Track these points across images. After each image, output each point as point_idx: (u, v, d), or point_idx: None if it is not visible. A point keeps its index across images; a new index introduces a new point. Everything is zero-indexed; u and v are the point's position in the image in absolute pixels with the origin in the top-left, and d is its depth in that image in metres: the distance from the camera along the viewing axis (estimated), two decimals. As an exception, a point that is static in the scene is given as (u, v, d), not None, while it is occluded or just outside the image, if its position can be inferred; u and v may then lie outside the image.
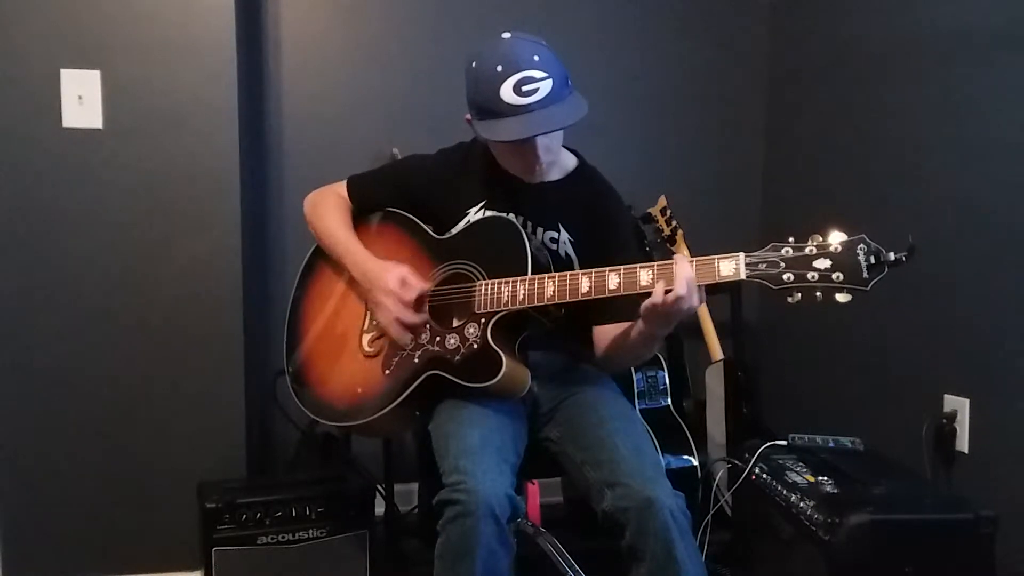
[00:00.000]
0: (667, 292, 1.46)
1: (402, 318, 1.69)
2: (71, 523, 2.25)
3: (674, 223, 2.69)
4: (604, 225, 1.76)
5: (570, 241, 1.76)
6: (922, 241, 1.39)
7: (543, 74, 1.54)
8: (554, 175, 1.76)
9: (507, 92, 1.54)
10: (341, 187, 1.90)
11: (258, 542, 2.05)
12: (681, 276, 1.44)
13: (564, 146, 1.78)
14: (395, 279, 1.69)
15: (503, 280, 1.63)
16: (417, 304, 1.71)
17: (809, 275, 1.36)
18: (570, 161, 1.81)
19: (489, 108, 1.57)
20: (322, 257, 1.92)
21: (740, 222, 2.93)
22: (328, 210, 1.87)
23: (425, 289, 1.71)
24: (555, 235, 1.76)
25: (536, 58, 1.55)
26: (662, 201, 2.72)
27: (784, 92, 2.88)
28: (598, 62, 2.82)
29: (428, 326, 1.71)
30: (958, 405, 2.01)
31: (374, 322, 1.80)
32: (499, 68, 1.54)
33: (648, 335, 1.59)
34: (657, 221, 2.72)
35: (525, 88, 1.53)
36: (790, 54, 2.84)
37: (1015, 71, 1.87)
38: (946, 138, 2.07)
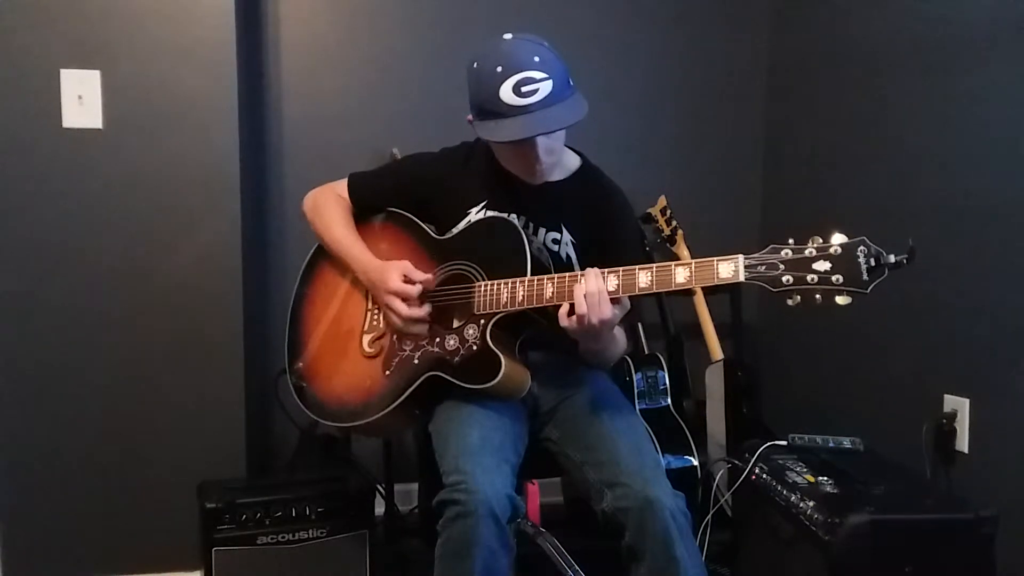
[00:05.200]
0: (569, 314, 1.49)
1: (411, 315, 1.69)
2: (71, 523, 2.26)
3: (674, 223, 2.69)
4: (607, 226, 1.76)
5: (572, 243, 1.76)
6: (922, 241, 1.39)
7: (543, 75, 1.54)
8: (556, 175, 1.76)
9: (507, 93, 1.54)
10: (341, 186, 1.90)
11: (258, 542, 2.05)
12: (578, 294, 1.49)
13: (567, 146, 1.78)
14: (397, 276, 1.70)
15: (502, 281, 1.63)
16: (423, 297, 1.71)
17: (808, 277, 1.35)
18: (573, 161, 1.80)
19: (489, 109, 1.57)
20: (323, 257, 1.92)
21: (740, 222, 2.93)
22: (329, 209, 1.87)
23: (428, 281, 1.72)
24: (557, 236, 1.76)
25: (536, 59, 1.55)
26: (662, 201, 2.72)
27: (784, 92, 2.87)
28: (598, 62, 2.82)
29: (428, 327, 1.71)
30: (958, 405, 2.01)
31: (374, 322, 1.80)
32: (499, 69, 1.54)
33: (584, 348, 1.64)
34: (657, 221, 2.72)
35: (525, 89, 1.53)
36: (790, 54, 2.84)
37: (1015, 71, 1.87)
38: (946, 138, 2.07)
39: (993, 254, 1.92)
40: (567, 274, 1.57)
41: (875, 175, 2.35)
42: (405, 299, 1.69)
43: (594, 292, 1.49)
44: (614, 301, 1.51)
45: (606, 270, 1.51)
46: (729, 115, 2.94)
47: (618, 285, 1.50)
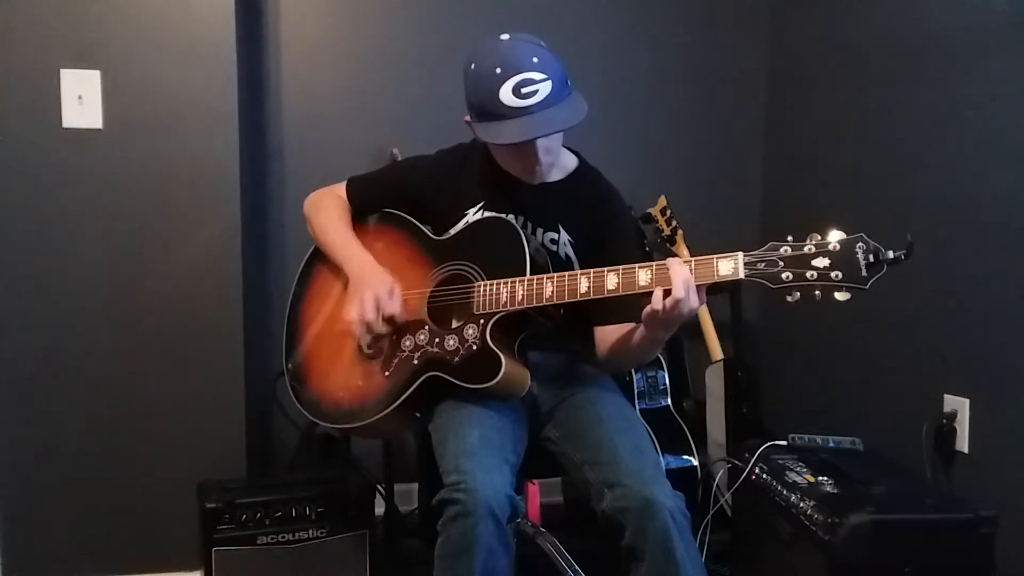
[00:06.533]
0: (666, 296, 1.46)
1: (371, 322, 1.67)
2: (71, 523, 2.25)
3: (674, 223, 2.69)
4: (604, 226, 1.76)
5: (570, 242, 1.76)
6: (922, 240, 1.40)
7: (542, 75, 1.54)
8: (554, 176, 1.76)
9: (506, 94, 1.53)
10: (340, 188, 1.90)
11: (258, 542, 2.05)
12: (678, 279, 1.44)
13: (565, 146, 1.78)
14: (386, 286, 1.69)
15: (502, 281, 1.63)
16: (389, 321, 1.69)
17: (808, 274, 1.36)
18: (570, 161, 1.80)
19: (488, 110, 1.57)
20: (322, 257, 1.91)
21: (740, 222, 2.93)
22: (328, 210, 1.87)
23: (403, 317, 1.70)
24: (555, 236, 1.76)
25: (535, 59, 1.55)
26: (662, 201, 2.72)
27: (784, 92, 2.88)
28: (598, 62, 2.82)
29: (427, 327, 1.71)
30: (958, 405, 2.01)
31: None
32: (498, 70, 1.54)
33: (650, 339, 1.59)
34: (657, 221, 2.72)
35: (525, 90, 1.53)
36: (790, 54, 2.84)
37: (1015, 71, 1.87)
38: (946, 138, 2.07)
39: (993, 254, 1.92)
40: (566, 273, 1.57)
41: (875, 175, 2.35)
42: (380, 308, 1.68)
43: (690, 279, 1.45)
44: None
45: (620, 267, 1.51)
46: (729, 115, 2.94)
47: (618, 284, 1.50)
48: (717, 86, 2.92)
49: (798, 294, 1.37)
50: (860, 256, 1.33)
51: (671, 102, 2.90)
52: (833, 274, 1.34)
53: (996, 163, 1.92)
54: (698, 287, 1.46)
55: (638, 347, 1.64)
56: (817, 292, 1.36)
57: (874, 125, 2.36)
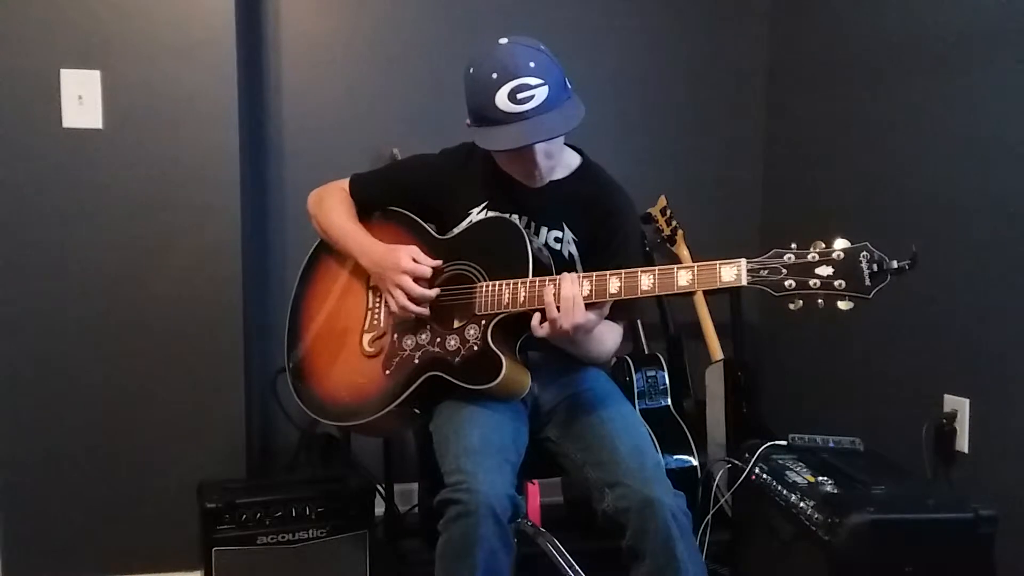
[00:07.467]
0: (541, 322, 1.50)
1: (417, 295, 1.69)
2: (71, 523, 2.26)
3: (674, 223, 2.69)
4: (608, 222, 1.75)
5: (574, 240, 1.76)
6: (922, 241, 1.40)
7: (539, 81, 1.53)
8: (557, 174, 1.75)
9: (502, 100, 1.53)
10: (345, 183, 1.90)
11: (258, 542, 2.05)
12: (548, 296, 1.49)
13: (568, 144, 1.77)
14: (406, 256, 1.70)
15: (504, 282, 1.63)
16: (430, 280, 1.71)
17: (811, 282, 1.36)
18: (573, 160, 1.80)
19: (485, 115, 1.57)
20: (323, 256, 1.92)
21: (740, 222, 2.93)
22: (333, 204, 1.87)
23: (436, 264, 1.72)
24: (559, 235, 1.76)
25: (532, 64, 1.54)
26: (662, 201, 2.73)
27: (784, 92, 2.88)
28: (599, 63, 2.82)
29: (429, 327, 1.71)
30: (958, 405, 2.01)
31: (375, 321, 1.80)
32: (494, 75, 1.54)
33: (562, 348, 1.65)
34: (657, 221, 2.72)
35: (520, 96, 1.53)
36: (790, 54, 2.84)
37: (1015, 71, 1.87)
38: (946, 138, 2.08)
39: (993, 254, 1.93)
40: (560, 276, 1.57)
41: (874, 175, 2.35)
42: (416, 280, 1.69)
43: (568, 297, 1.49)
44: (592, 307, 1.51)
45: (608, 272, 1.52)
46: (729, 115, 2.94)
47: (620, 288, 1.50)
48: (717, 86, 2.92)
49: (801, 302, 1.37)
50: (864, 265, 1.33)
51: (671, 102, 2.90)
52: (836, 283, 1.34)
53: (997, 164, 1.92)
54: (587, 305, 1.50)
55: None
56: (820, 300, 1.36)
57: (874, 126, 2.36)
